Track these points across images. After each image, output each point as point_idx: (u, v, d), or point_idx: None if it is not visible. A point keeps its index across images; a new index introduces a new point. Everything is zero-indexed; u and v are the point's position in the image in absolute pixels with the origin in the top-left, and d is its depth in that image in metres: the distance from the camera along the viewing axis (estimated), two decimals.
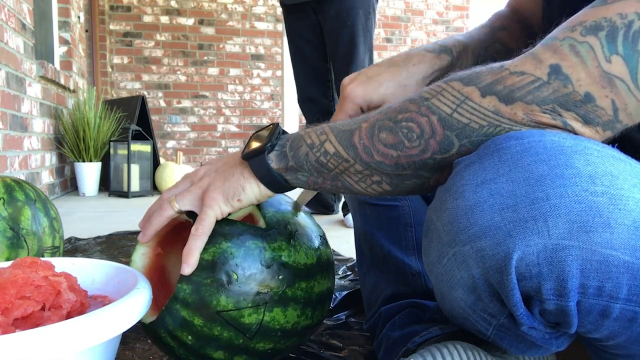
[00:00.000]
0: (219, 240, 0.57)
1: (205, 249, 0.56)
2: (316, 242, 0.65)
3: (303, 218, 0.66)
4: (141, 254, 0.64)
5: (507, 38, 0.76)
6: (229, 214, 0.59)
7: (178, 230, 0.65)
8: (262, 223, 0.60)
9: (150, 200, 2.95)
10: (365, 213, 0.81)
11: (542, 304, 0.42)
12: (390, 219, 0.78)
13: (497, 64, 0.47)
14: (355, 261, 1.31)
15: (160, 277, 0.66)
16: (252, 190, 0.58)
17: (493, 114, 0.45)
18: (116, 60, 4.77)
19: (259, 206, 0.62)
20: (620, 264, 0.39)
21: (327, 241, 0.68)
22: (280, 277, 0.58)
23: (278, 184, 0.57)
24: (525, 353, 0.51)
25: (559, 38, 0.44)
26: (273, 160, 0.56)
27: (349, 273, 1.21)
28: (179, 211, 0.59)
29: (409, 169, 0.50)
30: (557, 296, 0.41)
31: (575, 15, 0.45)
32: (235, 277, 0.56)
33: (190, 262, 0.55)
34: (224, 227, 0.58)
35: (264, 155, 0.56)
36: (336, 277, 1.17)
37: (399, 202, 0.78)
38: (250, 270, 0.56)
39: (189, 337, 0.56)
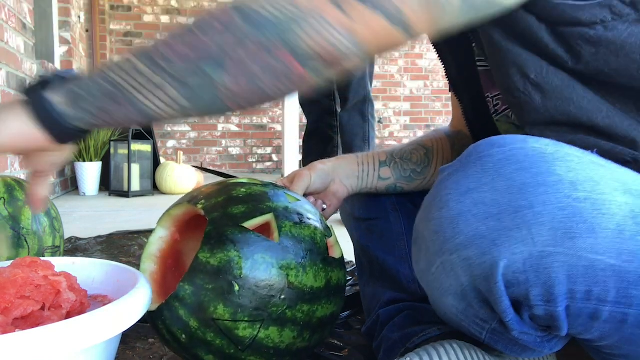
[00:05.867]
0: (228, 247, 0.56)
1: (213, 254, 0.55)
2: (331, 265, 0.62)
3: (323, 237, 0.63)
4: (159, 237, 0.65)
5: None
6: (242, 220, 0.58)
7: (197, 219, 0.65)
8: (276, 236, 0.58)
9: (151, 200, 2.96)
10: (360, 228, 0.83)
11: (531, 309, 0.42)
12: (383, 230, 0.79)
13: None
14: (354, 265, 1.31)
15: (176, 262, 0.66)
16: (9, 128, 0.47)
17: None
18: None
19: (277, 217, 0.59)
20: (606, 268, 0.39)
21: (344, 264, 0.66)
22: (282, 297, 0.56)
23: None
24: (520, 355, 0.51)
25: None
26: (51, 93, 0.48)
27: (349, 278, 1.21)
28: None
29: None
30: (545, 302, 0.41)
31: None
32: (236, 288, 0.55)
33: None
34: (237, 235, 0.56)
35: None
36: None
37: (391, 213, 0.80)
38: (253, 285, 0.55)
39: (183, 336, 0.57)
